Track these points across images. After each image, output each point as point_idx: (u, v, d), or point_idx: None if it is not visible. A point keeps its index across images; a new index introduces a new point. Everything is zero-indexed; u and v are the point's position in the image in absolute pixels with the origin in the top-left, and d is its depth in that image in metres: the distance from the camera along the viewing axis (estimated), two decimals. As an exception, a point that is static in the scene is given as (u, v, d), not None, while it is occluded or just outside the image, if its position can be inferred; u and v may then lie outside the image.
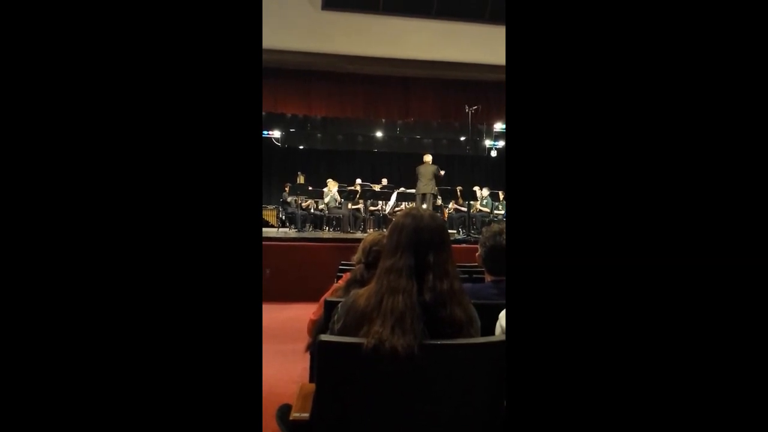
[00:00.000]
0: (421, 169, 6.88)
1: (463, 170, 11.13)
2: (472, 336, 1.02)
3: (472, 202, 7.46)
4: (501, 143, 11.10)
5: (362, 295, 1.04)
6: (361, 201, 7.62)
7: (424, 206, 6.48)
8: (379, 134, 11.66)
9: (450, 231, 7.45)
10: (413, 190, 7.04)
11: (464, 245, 5.31)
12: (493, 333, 1.24)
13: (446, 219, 8.22)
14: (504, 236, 1.67)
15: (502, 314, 1.20)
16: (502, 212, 8.13)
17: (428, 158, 7.03)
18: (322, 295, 1.83)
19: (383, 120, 10.57)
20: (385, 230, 2.16)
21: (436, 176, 6.81)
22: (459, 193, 7.48)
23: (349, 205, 7.53)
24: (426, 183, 6.79)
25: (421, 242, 1.01)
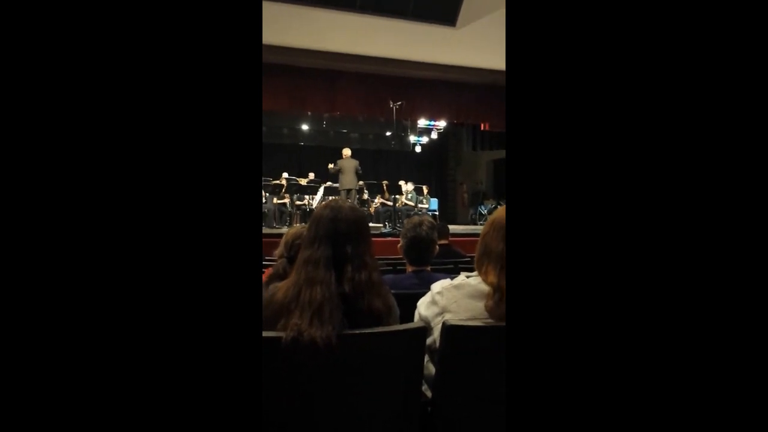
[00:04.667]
0: (345, 163, 6.69)
1: (388, 165, 11.28)
2: (390, 325, 1.04)
3: (397, 197, 7.57)
4: (425, 139, 11.36)
5: (281, 288, 1.03)
6: (287, 195, 7.47)
7: (349, 201, 6.45)
8: (305, 127, 11.48)
9: (377, 225, 7.53)
10: (338, 185, 6.96)
11: (390, 238, 5.39)
12: (412, 321, 1.27)
13: (373, 213, 8.29)
14: (424, 227, 1.72)
15: (420, 302, 1.24)
16: (426, 206, 8.34)
17: (348, 152, 6.85)
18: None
19: (309, 113, 10.43)
20: (308, 224, 2.14)
21: (357, 173, 6.69)
22: (385, 188, 7.56)
23: (275, 200, 7.35)
24: (351, 178, 6.65)
25: (339, 233, 1.02)
